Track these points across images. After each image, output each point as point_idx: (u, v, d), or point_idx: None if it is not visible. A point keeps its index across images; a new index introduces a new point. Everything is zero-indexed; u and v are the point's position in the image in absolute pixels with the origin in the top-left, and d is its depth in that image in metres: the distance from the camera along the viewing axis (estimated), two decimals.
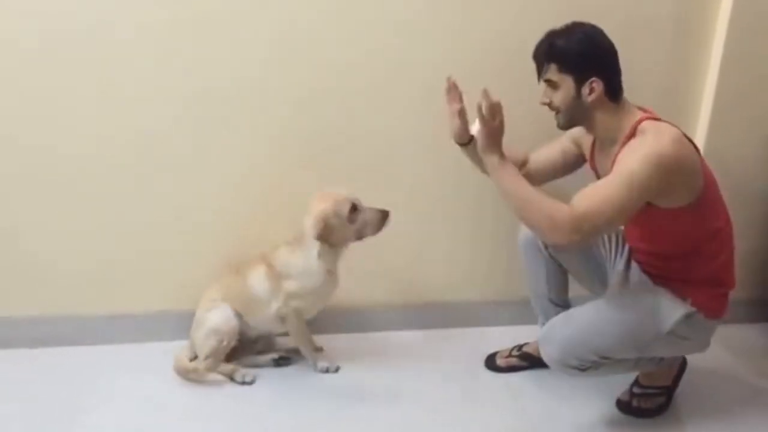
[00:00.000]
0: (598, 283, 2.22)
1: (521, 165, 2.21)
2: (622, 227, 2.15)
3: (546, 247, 2.22)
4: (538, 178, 2.19)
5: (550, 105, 1.96)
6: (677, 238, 1.94)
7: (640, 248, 2.08)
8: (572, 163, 2.20)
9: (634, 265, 2.12)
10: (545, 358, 1.98)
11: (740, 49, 2.42)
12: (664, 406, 2.21)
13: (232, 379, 2.29)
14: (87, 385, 2.25)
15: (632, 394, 2.20)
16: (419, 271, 2.63)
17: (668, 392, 2.22)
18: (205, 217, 2.43)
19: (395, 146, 2.46)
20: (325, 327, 2.50)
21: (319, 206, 2.16)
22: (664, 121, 1.89)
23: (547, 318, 2.30)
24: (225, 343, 2.28)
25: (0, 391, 2.21)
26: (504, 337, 2.51)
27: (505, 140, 1.89)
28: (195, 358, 2.33)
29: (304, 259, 2.21)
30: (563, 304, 2.32)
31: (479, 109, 1.84)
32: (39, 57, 2.21)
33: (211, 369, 2.28)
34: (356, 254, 2.29)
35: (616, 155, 1.86)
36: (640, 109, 1.96)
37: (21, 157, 2.30)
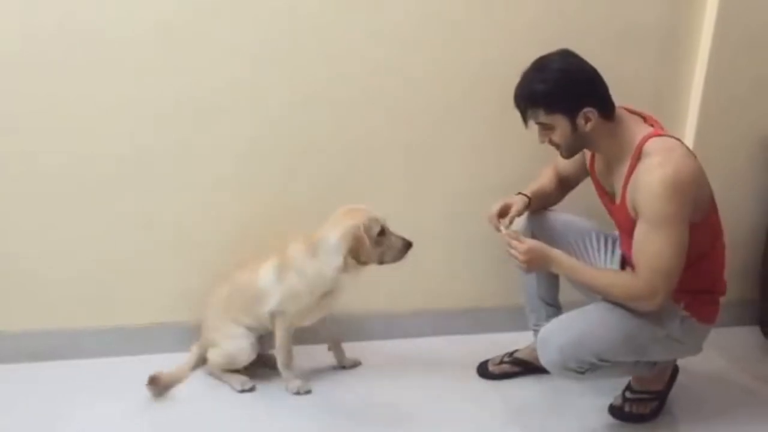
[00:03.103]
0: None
1: (558, 181, 2.25)
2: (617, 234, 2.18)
3: None
4: (573, 180, 2.24)
5: (549, 142, 1.96)
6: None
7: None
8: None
9: (628, 269, 2.13)
10: (543, 362, 1.98)
11: (726, 56, 2.45)
12: (657, 410, 2.21)
13: (232, 387, 2.30)
14: (82, 399, 2.24)
15: (625, 399, 2.21)
16: (409, 279, 2.61)
17: (661, 397, 2.23)
18: (199, 227, 2.42)
19: (388, 150, 2.47)
20: (314, 337, 2.49)
21: (350, 221, 2.13)
22: (666, 134, 1.92)
23: (539, 318, 2.33)
24: (237, 365, 2.32)
25: None
26: (495, 344, 2.51)
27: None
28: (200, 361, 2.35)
29: (321, 266, 2.17)
30: (554, 303, 2.33)
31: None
32: (23, 66, 2.19)
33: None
34: None
35: (627, 178, 1.89)
36: (631, 112, 1.97)
37: (6, 168, 2.28)
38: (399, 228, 2.46)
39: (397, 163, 2.49)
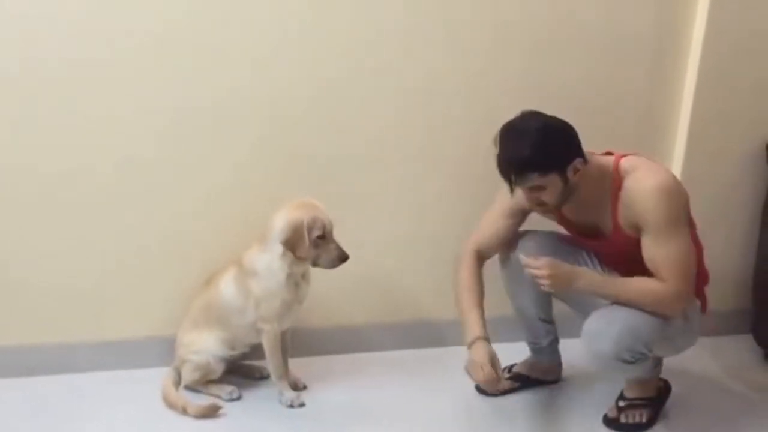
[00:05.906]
0: (589, 301, 2.13)
1: (481, 263, 2.19)
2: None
3: None
4: (495, 252, 2.20)
5: (542, 205, 1.96)
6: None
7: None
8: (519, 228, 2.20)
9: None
10: (594, 355, 1.97)
11: (716, 64, 2.47)
12: (653, 419, 2.21)
13: (218, 397, 2.28)
14: (74, 414, 2.21)
15: (619, 409, 2.20)
16: (405, 289, 2.62)
17: (653, 404, 2.23)
18: (191, 241, 2.41)
19: (379, 161, 2.47)
20: (308, 348, 2.48)
21: (296, 213, 2.13)
22: (630, 153, 1.98)
23: (536, 336, 2.33)
24: (211, 376, 2.30)
25: None
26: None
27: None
28: (180, 380, 2.33)
29: (268, 259, 2.18)
30: (550, 320, 2.32)
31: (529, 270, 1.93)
32: (18, 79, 2.18)
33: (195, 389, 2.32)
34: (340, 272, 2.27)
35: (615, 202, 1.94)
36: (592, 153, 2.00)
37: (1, 180, 2.26)
38: (398, 234, 2.46)
39: (396, 171, 2.49)
